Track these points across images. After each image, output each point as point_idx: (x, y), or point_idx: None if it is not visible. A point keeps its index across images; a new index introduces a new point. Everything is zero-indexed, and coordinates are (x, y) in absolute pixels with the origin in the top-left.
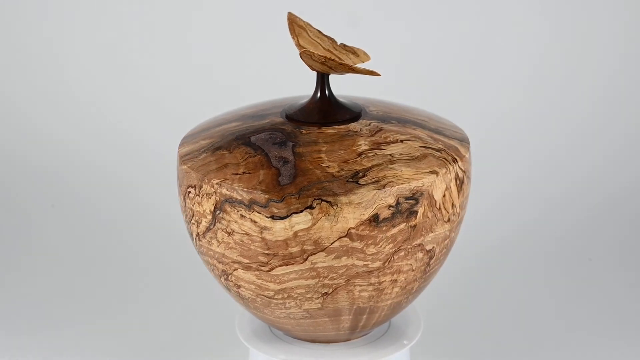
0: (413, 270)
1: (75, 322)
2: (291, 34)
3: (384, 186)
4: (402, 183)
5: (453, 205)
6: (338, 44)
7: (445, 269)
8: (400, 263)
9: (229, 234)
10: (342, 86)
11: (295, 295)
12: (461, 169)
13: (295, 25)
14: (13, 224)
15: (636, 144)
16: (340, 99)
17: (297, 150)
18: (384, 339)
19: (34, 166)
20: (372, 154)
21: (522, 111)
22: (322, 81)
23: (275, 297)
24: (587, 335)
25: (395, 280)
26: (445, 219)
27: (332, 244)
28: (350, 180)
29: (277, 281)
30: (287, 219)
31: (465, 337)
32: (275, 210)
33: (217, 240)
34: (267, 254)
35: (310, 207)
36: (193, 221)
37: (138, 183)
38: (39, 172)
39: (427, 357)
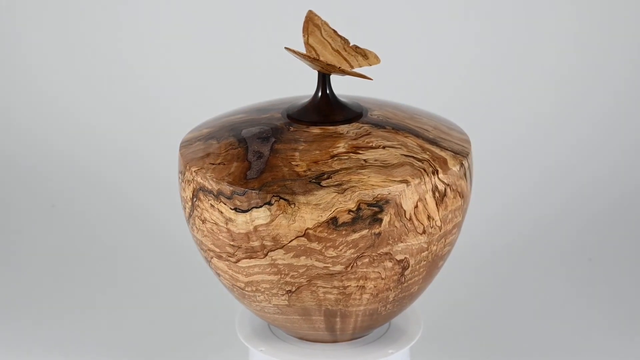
0: (383, 279)
1: (74, 321)
2: (303, 32)
3: (344, 190)
4: (365, 189)
5: (430, 217)
6: (350, 45)
7: (445, 270)
8: (365, 270)
9: (203, 221)
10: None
11: (263, 290)
12: (443, 181)
13: (311, 23)
14: (13, 224)
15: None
16: (343, 100)
17: (276, 147)
18: (384, 339)
19: (35, 166)
20: (346, 157)
21: (525, 116)
22: (324, 81)
23: (246, 289)
24: (587, 336)
25: (363, 287)
26: (419, 230)
27: (289, 242)
28: (313, 180)
29: (244, 273)
30: (248, 213)
31: (465, 338)
32: (238, 203)
33: (196, 227)
34: (233, 246)
35: (269, 204)
36: (182, 206)
37: (137, 183)
38: (40, 172)
39: (427, 357)
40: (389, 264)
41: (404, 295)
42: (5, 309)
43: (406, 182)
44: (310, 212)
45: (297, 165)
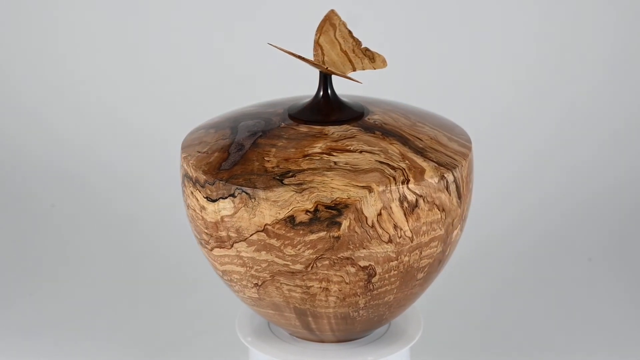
0: (347, 284)
1: (74, 321)
2: (317, 30)
3: (302, 190)
4: (324, 191)
5: (396, 227)
6: (362, 47)
7: (445, 270)
8: (326, 272)
9: (187, 207)
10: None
11: (235, 280)
12: (413, 191)
13: (328, 22)
14: (13, 224)
15: (631, 140)
16: (345, 101)
17: (258, 141)
18: (384, 339)
19: (34, 165)
20: (318, 158)
21: (518, 109)
22: (325, 81)
23: (224, 277)
24: (587, 335)
25: (327, 289)
26: (384, 239)
27: (251, 235)
28: (277, 177)
29: (219, 262)
30: (216, 203)
31: (466, 338)
32: (209, 192)
33: (185, 212)
34: (207, 234)
35: (233, 195)
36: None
37: (137, 183)
38: (39, 171)
39: (427, 357)
40: (352, 269)
41: (377, 303)
42: (6, 308)
43: (369, 188)
44: (269, 208)
45: (268, 161)
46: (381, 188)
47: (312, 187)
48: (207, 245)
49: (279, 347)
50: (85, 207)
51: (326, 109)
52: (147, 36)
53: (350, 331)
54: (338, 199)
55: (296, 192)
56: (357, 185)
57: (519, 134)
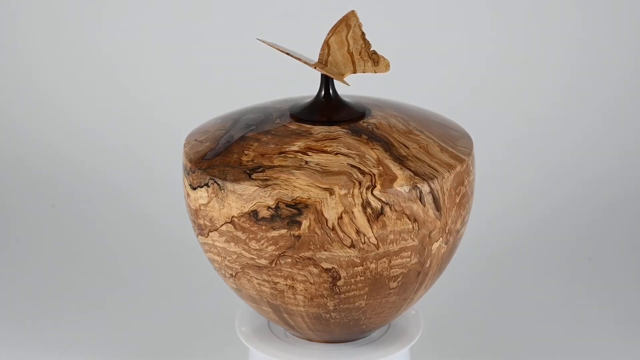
0: (312, 284)
1: (74, 321)
2: (331, 29)
3: (266, 186)
4: (286, 189)
5: (359, 232)
6: (370, 49)
7: (446, 270)
8: (290, 270)
9: (184, 193)
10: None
11: (217, 268)
12: (378, 198)
13: (345, 22)
14: (13, 224)
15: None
16: (347, 101)
17: (247, 135)
18: (384, 339)
19: (35, 166)
20: (292, 156)
21: (526, 117)
22: (327, 80)
23: (211, 265)
24: (587, 336)
25: (293, 287)
26: (346, 243)
27: (221, 226)
28: (247, 171)
29: (203, 249)
30: (196, 191)
31: (466, 338)
32: (192, 180)
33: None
34: (192, 220)
35: (207, 185)
36: None
37: (137, 182)
38: (40, 171)
39: (427, 357)
40: (314, 270)
41: (347, 307)
42: (6, 309)
43: (330, 190)
44: (236, 200)
45: (246, 154)
46: (343, 191)
47: (275, 184)
48: (195, 232)
49: (278, 346)
50: (85, 207)
51: (324, 109)
52: (165, 33)
53: (329, 332)
54: (298, 198)
55: (260, 187)
56: (320, 187)
57: (522, 141)
